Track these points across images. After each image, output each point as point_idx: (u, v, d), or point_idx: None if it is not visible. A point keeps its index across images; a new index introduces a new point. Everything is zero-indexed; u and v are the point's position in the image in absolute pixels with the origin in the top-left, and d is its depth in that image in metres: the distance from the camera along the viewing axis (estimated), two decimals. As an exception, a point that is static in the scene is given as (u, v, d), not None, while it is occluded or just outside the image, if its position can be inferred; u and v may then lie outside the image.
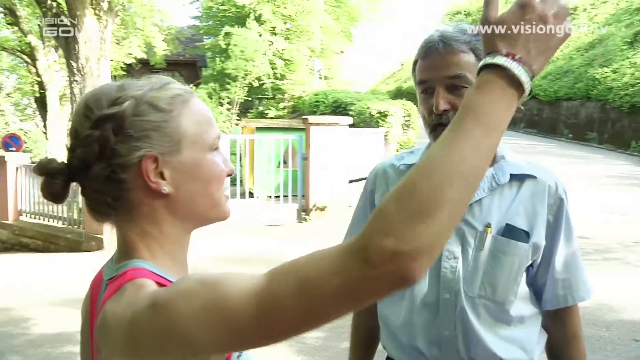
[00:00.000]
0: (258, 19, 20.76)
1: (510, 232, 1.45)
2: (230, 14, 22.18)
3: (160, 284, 0.88)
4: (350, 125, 10.58)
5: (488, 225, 1.45)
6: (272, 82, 20.59)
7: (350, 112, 13.63)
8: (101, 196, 0.92)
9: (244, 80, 19.71)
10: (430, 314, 1.47)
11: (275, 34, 21.45)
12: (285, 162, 10.30)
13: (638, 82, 16.10)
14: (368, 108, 13.34)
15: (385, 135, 12.99)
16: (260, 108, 23.14)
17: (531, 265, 1.51)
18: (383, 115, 13.08)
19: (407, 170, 1.46)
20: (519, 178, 1.49)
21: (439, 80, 1.41)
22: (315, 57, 23.97)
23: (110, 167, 0.89)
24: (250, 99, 21.95)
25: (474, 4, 30.71)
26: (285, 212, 9.67)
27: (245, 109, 22.82)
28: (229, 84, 19.64)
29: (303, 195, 9.78)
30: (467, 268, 1.45)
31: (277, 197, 9.88)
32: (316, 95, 18.14)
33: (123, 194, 0.92)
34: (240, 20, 21.20)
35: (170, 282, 0.89)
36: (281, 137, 10.42)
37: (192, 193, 0.95)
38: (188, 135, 0.94)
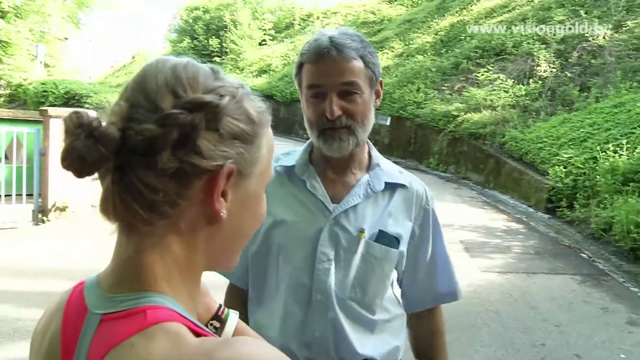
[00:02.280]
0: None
1: (382, 238, 1.50)
2: None
3: (193, 331, 0.69)
4: (92, 119, 9.86)
5: (362, 231, 1.48)
6: (-13, 66, 18.23)
7: (87, 105, 12.75)
8: (150, 193, 0.68)
9: (-49, 61, 17.12)
10: (303, 315, 1.48)
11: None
12: (7, 157, 9.16)
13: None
14: (108, 102, 12.61)
15: (128, 131, 12.44)
16: (-32, 94, 20.34)
17: (395, 269, 1.57)
18: (126, 109, 12.49)
19: (285, 173, 1.54)
20: (392, 186, 1.56)
21: (332, 87, 1.42)
22: (38, 42, 21.86)
23: (180, 162, 0.68)
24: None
25: (213, 1, 30.96)
26: (18, 214, 8.63)
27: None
28: None
29: (40, 194, 8.84)
30: (340, 271, 1.47)
31: (7, 196, 8.76)
32: (43, 84, 16.59)
33: (179, 201, 0.70)
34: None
35: (201, 328, 0.71)
36: (13, 129, 9.26)
37: (235, 232, 0.77)
38: (262, 162, 0.77)
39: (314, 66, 1.44)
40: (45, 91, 15.87)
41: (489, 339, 4.69)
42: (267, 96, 21.36)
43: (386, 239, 1.50)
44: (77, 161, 0.67)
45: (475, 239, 7.79)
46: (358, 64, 1.44)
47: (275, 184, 1.48)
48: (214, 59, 28.17)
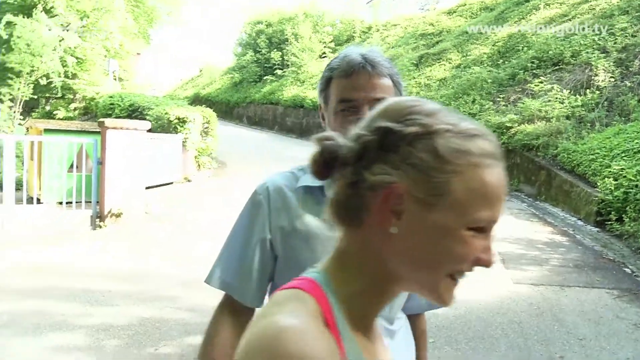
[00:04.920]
0: (48, 10, 19.32)
1: None
2: (12, 2, 20.28)
3: (330, 327, 0.78)
4: (148, 130, 10.39)
5: None
6: (62, 81, 19.25)
7: (148, 117, 13.33)
8: (339, 199, 0.83)
9: (30, 76, 18.20)
10: None
11: (68, 30, 20.10)
12: (77, 166, 9.81)
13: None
14: (167, 113, 13.17)
15: (184, 142, 12.95)
16: (48, 108, 21.55)
17: None
18: (182, 121, 13.02)
19: (308, 192, 1.49)
20: None
21: (366, 101, 1.42)
22: (111, 57, 22.94)
23: (357, 175, 0.81)
24: (35, 97, 20.28)
25: (275, 15, 31.62)
26: (78, 219, 9.19)
27: (29, 108, 21.06)
28: (11, 79, 18.00)
29: (98, 202, 9.37)
30: None
31: (68, 203, 9.34)
32: (111, 97, 17.38)
33: (360, 210, 0.82)
34: (25, 9, 19.44)
35: (335, 325, 0.79)
36: (74, 140, 9.88)
37: (412, 257, 0.81)
38: (453, 198, 0.78)
39: (347, 80, 1.46)
40: (112, 104, 16.66)
41: (506, 350, 4.70)
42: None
43: None
44: (310, 164, 0.86)
45: (514, 250, 7.71)
46: (388, 81, 1.47)
47: (295, 200, 1.51)
48: (275, 72, 28.73)
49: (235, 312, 1.52)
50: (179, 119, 13.02)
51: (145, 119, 12.67)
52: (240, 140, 20.64)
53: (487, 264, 0.81)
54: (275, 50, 29.52)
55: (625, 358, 4.63)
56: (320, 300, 0.79)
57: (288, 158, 15.50)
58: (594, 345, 4.82)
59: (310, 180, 1.48)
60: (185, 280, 6.26)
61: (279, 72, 28.73)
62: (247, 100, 29.79)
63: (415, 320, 1.74)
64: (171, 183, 12.15)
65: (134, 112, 14.97)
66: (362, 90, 1.43)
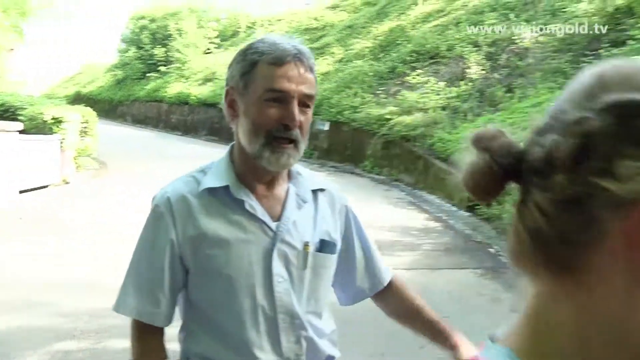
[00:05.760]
0: None
1: (324, 246, 1.53)
2: None
3: None
4: (21, 132, 9.89)
5: (306, 244, 1.49)
6: None
7: (21, 117, 12.66)
8: (549, 228, 0.50)
9: None
10: (272, 340, 1.46)
11: None
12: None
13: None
14: (41, 113, 12.57)
15: (61, 142, 12.43)
16: None
17: None
18: (58, 121, 12.49)
19: (212, 194, 1.45)
20: (314, 192, 1.56)
21: (297, 95, 1.38)
22: (-23, 53, 21.52)
23: (582, 185, 0.48)
24: None
25: (159, 10, 30.87)
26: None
27: None
28: None
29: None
30: (295, 288, 1.48)
31: None
32: (-21, 97, 16.34)
33: (582, 242, 0.49)
34: None
35: None
36: None
37: None
38: None
39: (279, 69, 1.38)
40: (-19, 104, 15.64)
41: (375, 330, 4.92)
42: (212, 104, 21.45)
43: (327, 246, 1.53)
44: (470, 187, 0.57)
45: (389, 238, 8.03)
46: (313, 77, 1.44)
47: (200, 206, 1.44)
48: (159, 68, 28.10)
49: (152, 331, 1.48)
50: (55, 119, 12.47)
51: (17, 119, 12.04)
52: (123, 139, 20.07)
53: None
54: (159, 46, 28.87)
55: (482, 328, 4.99)
56: None
57: (172, 156, 15.28)
58: (457, 320, 5.14)
59: (212, 182, 1.45)
60: (60, 285, 6.05)
61: (162, 68, 28.16)
62: (130, 98, 29.01)
63: (392, 288, 1.81)
64: (48, 186, 11.64)
65: (5, 113, 14.14)
66: (294, 82, 1.37)
